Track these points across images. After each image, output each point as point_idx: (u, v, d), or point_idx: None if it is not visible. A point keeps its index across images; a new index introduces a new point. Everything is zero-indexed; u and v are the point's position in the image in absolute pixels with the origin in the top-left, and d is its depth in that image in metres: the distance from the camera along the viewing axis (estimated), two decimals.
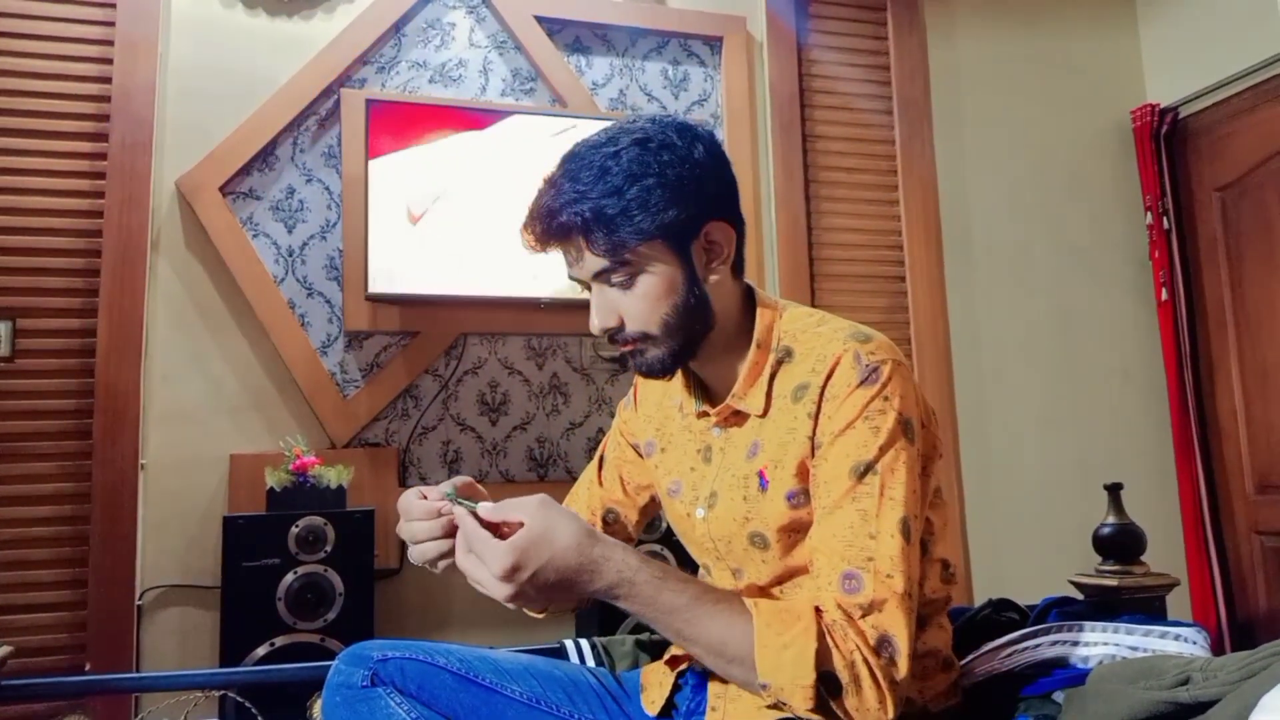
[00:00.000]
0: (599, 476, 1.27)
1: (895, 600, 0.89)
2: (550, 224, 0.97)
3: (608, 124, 1.03)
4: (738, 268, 1.06)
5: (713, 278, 1.01)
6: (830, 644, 0.88)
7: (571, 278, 1.03)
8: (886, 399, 0.94)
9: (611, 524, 1.24)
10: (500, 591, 0.88)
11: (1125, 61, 3.40)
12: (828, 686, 0.87)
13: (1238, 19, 3.02)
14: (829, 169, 3.03)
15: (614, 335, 1.02)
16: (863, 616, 0.89)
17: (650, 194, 0.95)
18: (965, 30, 3.27)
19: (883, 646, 0.88)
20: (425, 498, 0.98)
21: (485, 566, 0.88)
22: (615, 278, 0.98)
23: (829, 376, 0.96)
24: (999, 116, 3.25)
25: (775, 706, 0.91)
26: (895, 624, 0.89)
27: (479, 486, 1.03)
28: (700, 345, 1.03)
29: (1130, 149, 3.33)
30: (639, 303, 0.99)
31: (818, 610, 0.90)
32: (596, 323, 1.01)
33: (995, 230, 3.19)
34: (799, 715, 0.89)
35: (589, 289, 1.02)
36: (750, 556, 1.03)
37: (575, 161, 0.98)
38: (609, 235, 0.95)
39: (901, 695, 0.88)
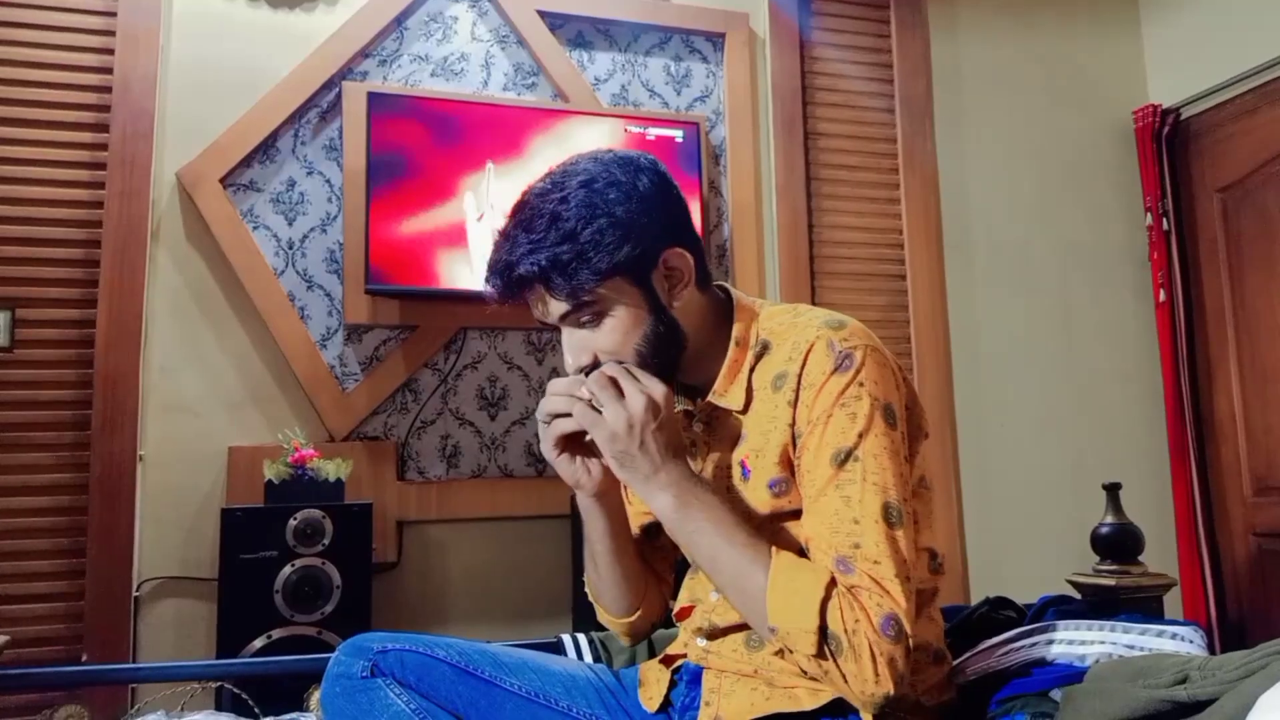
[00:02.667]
0: (628, 495, 1.25)
1: (884, 585, 0.90)
2: (510, 277, 0.99)
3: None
4: (703, 280, 1.07)
5: (677, 302, 1.03)
6: (836, 601, 0.90)
7: (540, 322, 1.05)
8: (861, 385, 0.96)
9: (655, 532, 1.21)
10: (638, 403, 0.94)
11: (1128, 62, 3.40)
12: (829, 643, 0.88)
13: (1241, 20, 3.02)
14: (830, 166, 3.03)
15: (590, 371, 1.03)
16: (865, 596, 0.90)
17: (603, 234, 0.96)
18: (968, 29, 3.26)
19: (887, 625, 0.89)
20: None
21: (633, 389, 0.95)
22: (582, 318, 1.01)
23: (804, 364, 0.98)
24: (1001, 115, 3.25)
25: (780, 654, 0.94)
26: (895, 606, 0.90)
27: None
28: (678, 363, 1.05)
29: (1131, 149, 3.33)
30: (609, 338, 1.01)
31: (833, 578, 0.92)
32: (570, 361, 1.03)
33: (996, 229, 3.19)
34: (804, 667, 0.91)
35: (559, 330, 1.04)
36: None
37: (526, 211, 1.00)
38: (569, 280, 0.97)
39: (899, 675, 0.89)
